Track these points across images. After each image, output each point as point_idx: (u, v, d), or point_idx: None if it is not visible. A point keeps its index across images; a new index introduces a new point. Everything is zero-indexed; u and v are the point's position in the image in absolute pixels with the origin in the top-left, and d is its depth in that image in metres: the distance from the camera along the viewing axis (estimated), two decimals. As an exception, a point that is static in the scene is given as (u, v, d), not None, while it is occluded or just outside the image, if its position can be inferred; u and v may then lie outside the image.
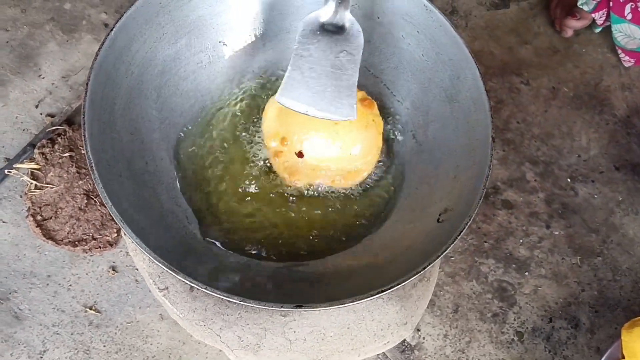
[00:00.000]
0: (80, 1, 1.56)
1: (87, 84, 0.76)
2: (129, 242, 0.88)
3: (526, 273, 1.35)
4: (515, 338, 1.29)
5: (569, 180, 1.45)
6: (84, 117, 0.74)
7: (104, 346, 1.23)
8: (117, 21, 0.80)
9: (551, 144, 1.49)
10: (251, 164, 0.88)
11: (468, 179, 0.80)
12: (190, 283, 0.69)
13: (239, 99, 0.93)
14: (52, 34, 1.52)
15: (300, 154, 0.86)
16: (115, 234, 1.29)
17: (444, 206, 0.80)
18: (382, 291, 0.70)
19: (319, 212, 0.87)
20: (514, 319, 1.31)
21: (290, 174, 0.87)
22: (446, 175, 0.83)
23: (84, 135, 0.73)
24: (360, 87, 0.94)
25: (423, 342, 1.27)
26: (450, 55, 0.85)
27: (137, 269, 1.29)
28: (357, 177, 0.88)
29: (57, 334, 1.23)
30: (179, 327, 1.25)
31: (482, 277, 1.34)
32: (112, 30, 0.79)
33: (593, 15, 1.54)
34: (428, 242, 0.78)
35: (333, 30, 0.82)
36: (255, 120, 0.91)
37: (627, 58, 1.57)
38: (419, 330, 1.27)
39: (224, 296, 0.69)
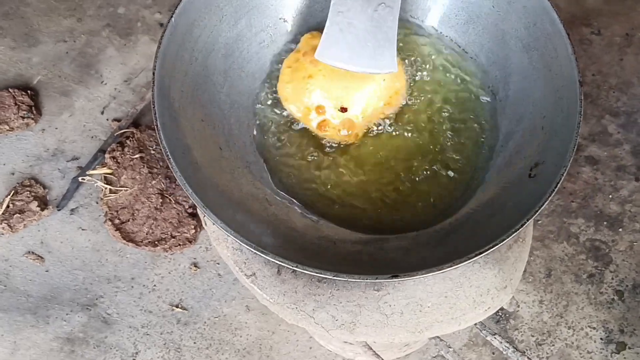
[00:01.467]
0: (134, 4, 1.56)
1: (153, 73, 0.74)
2: (211, 231, 0.86)
3: (619, 229, 1.29)
4: (616, 297, 1.23)
5: (655, 127, 1.38)
6: (154, 108, 0.73)
7: (194, 343, 1.22)
8: (176, 7, 0.78)
9: (631, 92, 1.42)
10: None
11: (557, 129, 0.76)
12: (279, 262, 0.67)
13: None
14: (109, 39, 1.52)
15: (343, 109, 0.83)
16: (194, 230, 1.29)
17: (535, 160, 0.76)
18: (480, 253, 0.66)
19: (402, 173, 0.83)
20: (612, 278, 1.25)
21: (349, 130, 0.84)
22: (533, 128, 0.79)
23: (156, 125, 0.72)
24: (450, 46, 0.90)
25: (518, 310, 1.22)
26: (524, 2, 0.80)
27: (218, 264, 1.28)
28: (400, 96, 0.85)
29: (147, 334, 1.23)
30: (267, 317, 1.23)
31: (573, 238, 1.28)
32: (172, 17, 0.77)
33: None
34: (522, 199, 0.73)
35: None
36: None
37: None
38: (512, 298, 1.23)
39: (316, 272, 0.66)
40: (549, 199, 0.69)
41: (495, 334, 0.96)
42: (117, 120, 1.41)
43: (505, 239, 0.67)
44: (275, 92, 0.87)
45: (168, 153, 0.71)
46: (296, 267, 0.67)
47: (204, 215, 0.80)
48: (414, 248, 0.78)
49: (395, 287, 0.78)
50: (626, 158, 1.35)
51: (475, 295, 0.78)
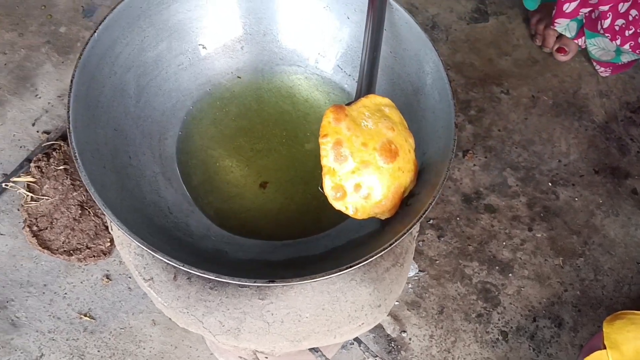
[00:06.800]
0: (75, 24, 1.62)
1: (71, 80, 0.80)
2: (117, 236, 0.92)
3: (509, 274, 1.38)
4: (500, 337, 1.32)
5: (550, 184, 1.49)
6: (68, 112, 0.79)
7: (98, 351, 1.26)
8: (100, 23, 0.85)
9: (532, 150, 1.53)
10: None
11: (434, 165, 0.84)
12: (167, 261, 0.72)
13: (218, 98, 0.98)
14: (48, 55, 1.58)
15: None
16: (109, 244, 1.34)
17: (413, 191, 0.84)
18: (351, 266, 0.73)
19: (296, 198, 0.91)
20: (499, 319, 1.34)
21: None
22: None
23: (68, 128, 0.78)
24: (334, 85, 0.98)
25: (409, 343, 1.30)
26: (416, 50, 0.89)
27: (130, 277, 1.33)
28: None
29: (53, 339, 1.27)
30: (171, 332, 1.28)
31: (467, 279, 1.37)
32: (95, 31, 0.84)
33: (576, 41, 1.60)
34: (397, 224, 0.81)
35: None
36: (233, 119, 0.96)
37: (602, 69, 1.62)
38: (404, 331, 1.30)
39: (201, 273, 0.72)
40: (415, 223, 0.77)
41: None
42: (47, 132, 1.46)
43: (373, 256, 0.75)
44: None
45: (76, 153, 0.77)
46: (182, 266, 0.73)
47: (110, 220, 0.85)
48: (296, 263, 0.85)
49: (278, 297, 0.85)
50: (521, 209, 1.46)
51: (350, 310, 0.85)
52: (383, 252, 0.75)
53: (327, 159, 0.77)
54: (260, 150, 0.94)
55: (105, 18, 0.86)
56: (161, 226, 0.86)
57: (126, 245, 0.90)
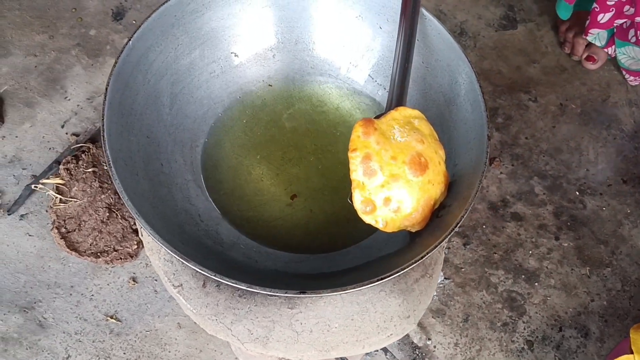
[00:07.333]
0: (105, 27, 1.64)
1: (106, 88, 0.81)
2: (147, 242, 0.92)
3: (535, 283, 1.37)
4: (525, 347, 1.31)
5: (577, 193, 1.48)
6: (103, 119, 0.79)
7: (124, 353, 1.27)
8: (135, 31, 0.85)
9: (559, 158, 1.52)
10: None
11: (465, 177, 0.84)
12: (199, 270, 0.73)
13: (249, 106, 0.98)
14: (77, 58, 1.59)
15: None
16: (136, 246, 1.35)
17: (444, 203, 0.84)
18: (382, 278, 0.73)
19: (326, 207, 0.91)
20: (524, 328, 1.33)
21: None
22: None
23: (103, 136, 0.78)
24: (366, 95, 0.99)
25: (434, 351, 1.29)
26: (448, 61, 0.89)
27: (156, 280, 1.34)
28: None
29: (80, 341, 1.28)
30: (196, 335, 1.29)
31: (492, 288, 1.37)
32: (130, 40, 0.85)
33: (606, 50, 1.59)
34: (428, 236, 0.81)
35: None
36: (263, 127, 0.96)
37: (632, 78, 1.61)
38: (429, 339, 1.30)
39: (233, 283, 0.73)
40: (448, 236, 0.77)
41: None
42: (76, 135, 1.48)
43: (405, 268, 0.75)
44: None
45: (110, 161, 0.77)
46: (214, 275, 0.73)
47: (140, 227, 0.86)
48: (327, 274, 0.85)
49: (307, 307, 0.85)
50: (548, 218, 1.45)
51: (379, 320, 0.86)
52: (415, 265, 0.75)
53: (357, 173, 0.77)
54: (291, 159, 0.95)
55: (140, 26, 0.86)
56: (192, 234, 0.86)
57: (156, 251, 0.91)
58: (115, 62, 0.84)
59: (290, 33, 0.99)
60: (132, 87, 0.87)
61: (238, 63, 0.98)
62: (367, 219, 0.79)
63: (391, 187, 0.78)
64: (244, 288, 0.73)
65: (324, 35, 0.99)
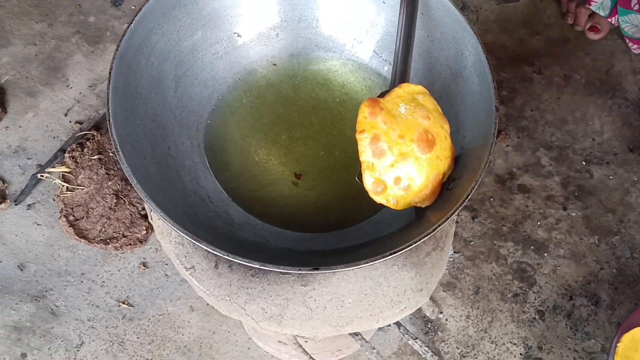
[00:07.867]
0: (104, 14, 1.63)
1: (109, 72, 0.81)
2: (157, 225, 0.92)
3: (545, 254, 1.38)
4: (537, 316, 1.32)
5: (583, 163, 1.48)
6: (108, 104, 0.79)
7: (138, 338, 1.28)
8: (136, 14, 0.85)
9: (565, 129, 1.52)
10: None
11: (474, 150, 0.83)
12: (211, 250, 0.73)
13: (254, 86, 0.97)
14: (78, 45, 1.58)
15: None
16: (145, 232, 1.35)
17: (452, 176, 0.84)
18: (395, 252, 0.73)
19: (335, 185, 0.91)
20: (535, 299, 1.33)
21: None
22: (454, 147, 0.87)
23: (108, 120, 0.78)
24: (371, 71, 0.98)
25: (446, 324, 1.30)
26: (453, 33, 0.89)
27: (166, 264, 1.34)
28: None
29: (93, 327, 1.28)
30: (209, 317, 1.29)
31: (502, 259, 1.37)
32: (131, 23, 0.84)
33: (610, 20, 1.58)
34: (438, 209, 0.81)
35: None
36: (269, 107, 0.96)
37: (635, 46, 1.60)
38: (441, 312, 1.31)
39: (245, 262, 0.72)
40: (459, 208, 0.77)
41: (423, 343, 1.03)
42: (80, 122, 1.47)
43: (417, 242, 0.74)
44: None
45: (117, 146, 0.77)
46: (227, 255, 0.73)
47: (150, 210, 0.86)
48: (338, 251, 0.85)
49: (320, 283, 0.85)
50: (555, 189, 1.45)
51: (392, 294, 0.86)
52: (426, 238, 0.75)
53: (366, 154, 0.77)
54: (298, 138, 0.94)
55: (141, 9, 0.86)
56: (202, 215, 0.86)
57: (166, 234, 0.91)
58: (118, 46, 0.83)
59: (293, 11, 0.98)
60: (136, 71, 0.86)
61: (241, 43, 0.97)
62: (379, 199, 0.79)
63: (401, 165, 0.78)
64: (257, 267, 0.73)
65: (327, 12, 0.98)
